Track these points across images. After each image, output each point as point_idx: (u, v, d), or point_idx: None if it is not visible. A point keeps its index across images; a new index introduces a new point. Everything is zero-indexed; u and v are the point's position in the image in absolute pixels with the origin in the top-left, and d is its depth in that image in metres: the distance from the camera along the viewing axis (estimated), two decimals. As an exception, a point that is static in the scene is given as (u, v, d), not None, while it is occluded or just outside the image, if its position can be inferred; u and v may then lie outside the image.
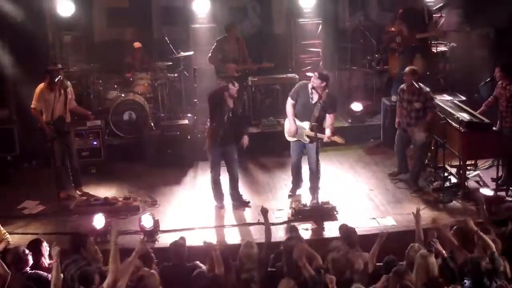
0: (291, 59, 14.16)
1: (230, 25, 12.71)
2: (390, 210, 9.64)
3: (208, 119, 9.99)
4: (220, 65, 12.50)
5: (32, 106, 10.02)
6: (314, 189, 9.75)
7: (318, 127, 9.50)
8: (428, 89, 10.29)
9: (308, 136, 9.61)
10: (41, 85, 10.04)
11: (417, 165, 10.42)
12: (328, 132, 9.59)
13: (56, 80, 9.91)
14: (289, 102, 9.79)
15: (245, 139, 9.90)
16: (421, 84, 10.23)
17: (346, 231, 7.75)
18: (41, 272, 7.22)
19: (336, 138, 9.58)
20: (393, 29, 13.11)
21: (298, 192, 10.19)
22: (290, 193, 10.19)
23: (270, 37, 14.66)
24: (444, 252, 7.12)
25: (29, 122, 11.05)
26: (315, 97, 9.60)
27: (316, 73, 9.61)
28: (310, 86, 9.61)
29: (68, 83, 10.42)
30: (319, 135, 9.43)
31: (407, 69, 10.45)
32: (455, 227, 7.66)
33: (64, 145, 10.24)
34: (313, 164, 9.71)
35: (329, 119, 9.72)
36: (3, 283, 7.00)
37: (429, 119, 10.15)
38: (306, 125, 9.63)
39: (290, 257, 7.12)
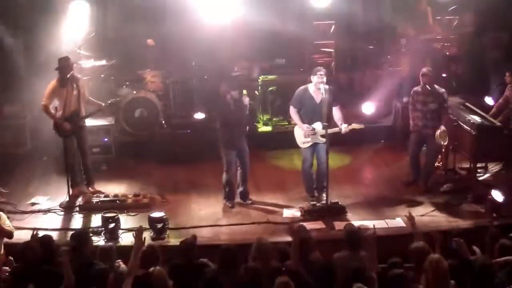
0: (304, 59, 14.12)
1: None
2: (399, 211, 9.61)
3: (217, 120, 9.96)
4: None
5: (43, 102, 9.96)
6: (323, 189, 9.76)
7: (329, 122, 9.56)
8: (443, 90, 10.21)
9: (325, 136, 9.52)
10: (53, 82, 10.02)
11: (429, 165, 10.38)
12: (343, 124, 9.63)
13: (68, 76, 9.94)
14: (293, 110, 9.81)
15: None
16: (435, 85, 10.19)
17: (349, 231, 7.59)
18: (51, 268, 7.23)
19: (354, 126, 9.66)
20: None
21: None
22: (311, 198, 9.96)
23: (283, 37, 14.60)
24: (468, 253, 7.09)
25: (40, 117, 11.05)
26: (319, 96, 9.61)
27: (322, 70, 9.62)
28: (311, 88, 9.65)
29: (80, 76, 10.42)
30: (337, 129, 9.54)
31: (423, 69, 10.30)
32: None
33: (78, 141, 10.26)
34: (322, 164, 9.72)
35: (337, 111, 9.74)
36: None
37: (444, 123, 9.98)
38: (318, 125, 9.62)
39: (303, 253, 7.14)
